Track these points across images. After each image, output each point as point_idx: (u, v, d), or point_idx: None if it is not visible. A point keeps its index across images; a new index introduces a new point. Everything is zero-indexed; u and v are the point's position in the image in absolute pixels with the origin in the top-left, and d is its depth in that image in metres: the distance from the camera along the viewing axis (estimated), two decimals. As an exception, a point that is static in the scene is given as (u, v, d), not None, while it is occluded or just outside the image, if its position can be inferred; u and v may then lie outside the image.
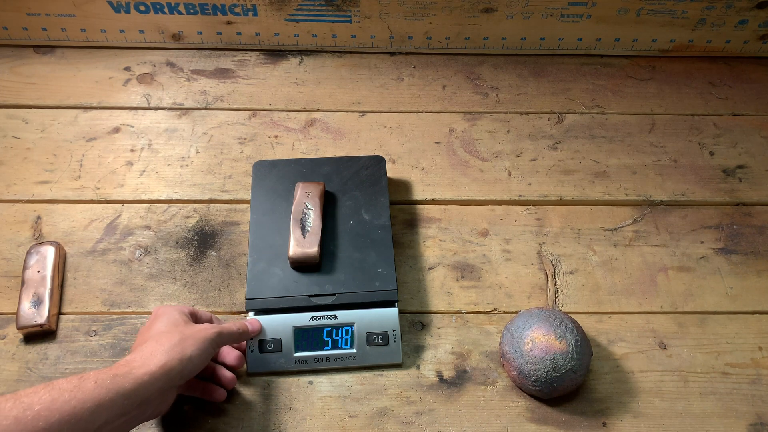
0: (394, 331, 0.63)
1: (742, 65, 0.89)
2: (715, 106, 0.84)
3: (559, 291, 0.69)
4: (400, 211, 0.74)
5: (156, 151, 0.78)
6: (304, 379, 0.62)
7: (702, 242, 0.72)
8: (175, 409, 0.59)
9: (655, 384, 0.63)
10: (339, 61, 0.88)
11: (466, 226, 0.73)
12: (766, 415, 0.61)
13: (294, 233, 0.64)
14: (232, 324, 0.58)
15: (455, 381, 0.62)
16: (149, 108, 0.81)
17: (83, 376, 0.46)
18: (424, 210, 0.74)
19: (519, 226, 0.73)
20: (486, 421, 0.60)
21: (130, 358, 0.50)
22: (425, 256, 0.70)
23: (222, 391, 0.58)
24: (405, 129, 0.81)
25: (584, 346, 0.59)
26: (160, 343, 0.51)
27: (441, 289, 0.68)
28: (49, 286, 0.64)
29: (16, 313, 0.63)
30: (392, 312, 0.63)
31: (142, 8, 0.82)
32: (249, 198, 0.73)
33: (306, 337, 0.62)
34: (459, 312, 0.67)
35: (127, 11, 0.82)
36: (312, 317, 0.62)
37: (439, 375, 0.63)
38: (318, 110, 0.82)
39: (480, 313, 0.67)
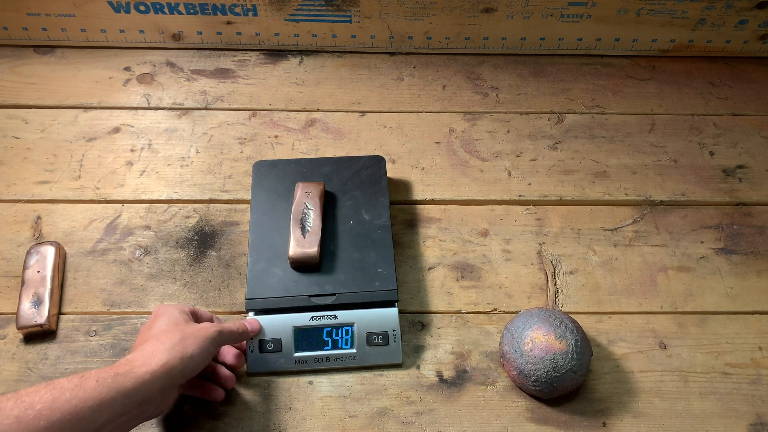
0: (394, 331, 0.63)
1: (742, 65, 0.89)
2: (715, 106, 0.84)
3: (559, 291, 0.69)
4: (400, 211, 0.74)
5: (156, 151, 0.78)
6: (304, 379, 0.62)
7: (702, 242, 0.72)
8: (175, 409, 0.59)
9: (655, 384, 0.63)
10: (339, 61, 0.88)
11: (466, 226, 0.73)
12: (766, 415, 0.61)
13: (294, 233, 0.64)
14: (232, 324, 0.58)
15: (455, 381, 0.62)
16: (149, 108, 0.81)
17: (84, 375, 0.46)
18: (424, 210, 0.74)
19: (519, 226, 0.73)
20: (486, 421, 0.60)
21: (131, 357, 0.50)
22: (425, 256, 0.70)
23: (221, 390, 0.58)
24: (405, 129, 0.81)
25: (584, 346, 0.59)
26: (161, 342, 0.51)
27: (441, 289, 0.68)
28: (49, 286, 0.64)
29: (16, 313, 0.63)
30: (392, 312, 0.63)
31: (142, 8, 0.82)
32: (249, 198, 0.73)
33: (306, 337, 0.62)
34: (459, 312, 0.67)
35: (127, 11, 0.82)
36: (312, 317, 0.62)
37: (439, 375, 0.63)
38: (318, 110, 0.82)
39: (480, 313, 0.67)
